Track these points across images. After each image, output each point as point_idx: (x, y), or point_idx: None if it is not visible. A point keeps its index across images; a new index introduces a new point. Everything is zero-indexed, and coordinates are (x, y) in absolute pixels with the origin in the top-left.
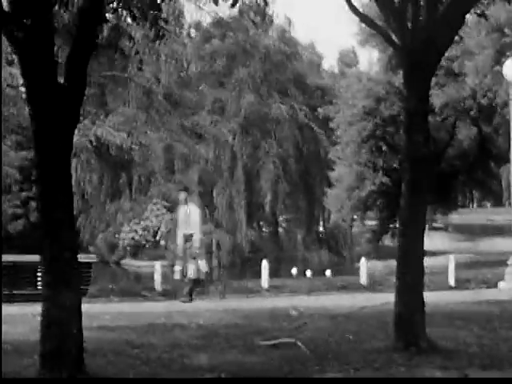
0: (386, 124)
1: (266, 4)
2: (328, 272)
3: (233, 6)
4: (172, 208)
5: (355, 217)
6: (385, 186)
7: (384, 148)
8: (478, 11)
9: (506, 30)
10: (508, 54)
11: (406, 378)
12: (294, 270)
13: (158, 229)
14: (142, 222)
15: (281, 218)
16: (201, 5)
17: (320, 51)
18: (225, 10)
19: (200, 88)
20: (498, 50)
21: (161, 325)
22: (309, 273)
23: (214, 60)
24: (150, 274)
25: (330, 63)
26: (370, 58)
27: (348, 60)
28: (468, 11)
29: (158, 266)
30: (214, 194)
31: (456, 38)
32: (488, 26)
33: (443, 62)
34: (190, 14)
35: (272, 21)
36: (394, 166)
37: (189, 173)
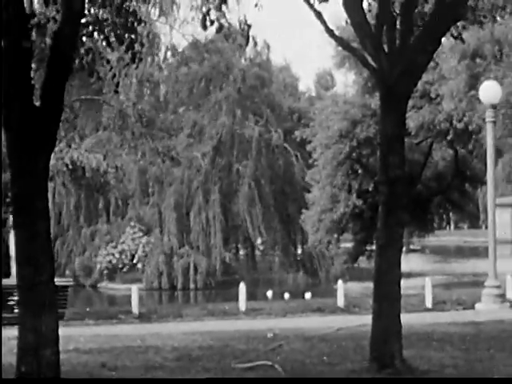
0: (362, 146)
1: (249, 27)
2: (308, 295)
3: (218, 31)
4: (148, 231)
5: (332, 239)
6: (358, 208)
7: (359, 170)
8: (454, 34)
9: (478, 60)
10: (482, 79)
11: (407, 378)
12: (270, 293)
13: (135, 252)
14: (118, 246)
15: (257, 241)
16: (177, 27)
17: (297, 73)
18: (201, 33)
19: (180, 110)
20: (473, 75)
21: (136, 347)
22: (286, 295)
23: (190, 83)
24: (127, 297)
25: (307, 85)
26: (346, 81)
27: (324, 82)
28: (443, 35)
29: (134, 288)
30: (190, 217)
31: (432, 63)
32: (462, 52)
33: (419, 85)
34: (166, 37)
35: (248, 43)
36: (369, 188)
37: (164, 196)
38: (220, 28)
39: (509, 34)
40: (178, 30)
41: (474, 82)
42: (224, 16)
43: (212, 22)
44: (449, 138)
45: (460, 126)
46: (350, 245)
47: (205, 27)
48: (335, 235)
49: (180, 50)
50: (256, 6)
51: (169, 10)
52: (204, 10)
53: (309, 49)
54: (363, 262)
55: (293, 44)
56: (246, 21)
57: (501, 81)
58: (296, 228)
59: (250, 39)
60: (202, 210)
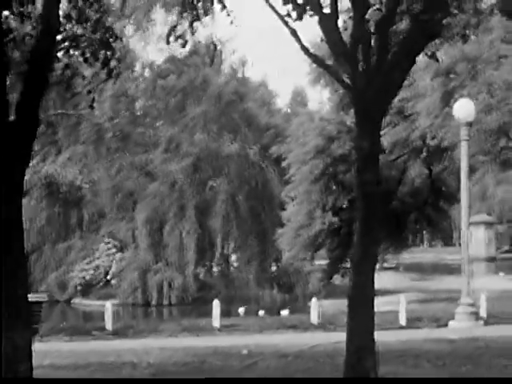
0: (337, 163)
1: (215, 47)
2: (285, 312)
3: (183, 46)
4: (123, 247)
5: (307, 256)
6: (333, 225)
7: (334, 187)
8: (429, 53)
9: (452, 76)
10: (456, 96)
11: (407, 378)
12: (241, 310)
13: (110, 268)
14: (93, 262)
15: (232, 257)
16: (153, 43)
17: (274, 90)
18: (177, 49)
19: (156, 125)
20: (447, 92)
21: (111, 363)
22: (261, 312)
23: (167, 98)
24: (101, 313)
25: (283, 102)
26: (321, 98)
27: (300, 99)
28: (418, 53)
29: (108, 304)
30: (165, 233)
31: (407, 81)
32: (436, 69)
33: (394, 103)
34: (142, 53)
35: (221, 62)
36: (344, 205)
37: (139, 211)
38: (184, 43)
39: (482, 52)
40: (154, 46)
41: (448, 99)
42: (192, 32)
43: (177, 38)
44: (423, 155)
45: (434, 143)
46: (324, 262)
47: (168, 42)
48: (310, 252)
49: (156, 65)
50: (231, 23)
51: (144, 26)
52: (172, 26)
53: (286, 66)
54: (338, 279)
55: (271, 61)
56: (212, 40)
57: (475, 97)
58: (271, 245)
59: (228, 55)
60: (177, 226)
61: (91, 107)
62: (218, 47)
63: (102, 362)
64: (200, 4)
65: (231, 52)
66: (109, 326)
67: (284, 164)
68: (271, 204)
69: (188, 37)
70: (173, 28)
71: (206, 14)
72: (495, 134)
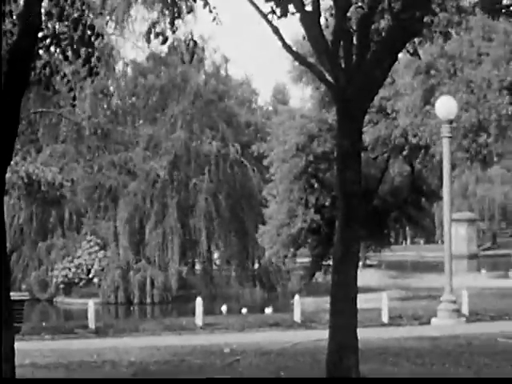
0: (319, 161)
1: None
2: (268, 310)
3: (163, 43)
4: (105, 245)
5: (288, 254)
6: (315, 223)
7: (316, 185)
8: (410, 50)
9: (433, 72)
10: (437, 94)
11: (407, 378)
12: (224, 308)
13: (92, 266)
14: (75, 260)
15: (214, 255)
16: (133, 41)
17: (255, 87)
18: (158, 46)
19: (136, 124)
20: (427, 89)
21: (92, 362)
22: (244, 310)
23: (147, 96)
24: (83, 311)
25: (265, 100)
26: (303, 95)
27: (282, 97)
28: (400, 50)
29: (91, 303)
30: (147, 231)
31: (388, 79)
32: (416, 67)
33: (375, 101)
34: (123, 50)
35: (201, 60)
36: (326, 203)
37: (120, 209)
38: (165, 40)
39: (462, 50)
40: (134, 43)
41: (428, 97)
42: (173, 30)
43: (157, 35)
44: (404, 153)
45: (415, 140)
46: (306, 260)
47: (148, 40)
48: (292, 250)
49: (137, 63)
50: (214, 19)
51: (125, 23)
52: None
53: (268, 63)
54: (320, 277)
55: (253, 58)
56: (192, 37)
57: (455, 94)
58: (253, 243)
59: (209, 52)
60: (159, 224)
61: (72, 105)
62: (200, 45)
63: (84, 361)
64: (182, 1)
65: (213, 50)
66: (91, 324)
67: (265, 162)
68: (252, 202)
69: (168, 34)
70: (153, 25)
71: (188, 11)
72: (474, 131)
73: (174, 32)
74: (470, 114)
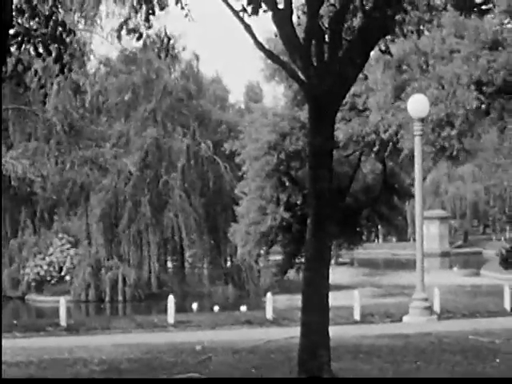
0: (291, 159)
1: (169, 40)
2: (243, 308)
3: (138, 40)
4: (76, 243)
5: (261, 251)
6: (286, 221)
7: (287, 183)
8: (383, 48)
9: (404, 67)
10: (408, 90)
11: (407, 378)
12: (195, 305)
13: (63, 264)
14: (46, 257)
15: (187, 253)
16: (106, 38)
17: (228, 85)
18: (129, 43)
19: (108, 120)
20: (398, 86)
21: (64, 360)
22: (216, 308)
23: (119, 93)
24: (55, 309)
25: (237, 98)
26: (275, 93)
27: (254, 95)
28: (372, 48)
29: (62, 301)
30: (119, 228)
31: (360, 75)
32: (387, 62)
33: (348, 98)
34: (95, 47)
35: (175, 56)
36: (298, 201)
37: (92, 206)
38: (139, 37)
39: (434, 46)
40: (106, 40)
41: (399, 93)
42: (148, 26)
43: (129, 32)
44: (375, 149)
45: (386, 137)
46: (279, 257)
47: (119, 36)
48: (264, 248)
49: (109, 60)
50: (186, 16)
51: (96, 20)
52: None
53: (240, 61)
54: (293, 274)
55: (224, 56)
56: (166, 33)
57: (425, 91)
58: (225, 241)
59: (176, 51)
60: (132, 222)
61: (43, 102)
62: (171, 42)
63: (55, 359)
64: None
65: (184, 47)
66: (63, 322)
67: (237, 160)
68: (224, 200)
69: (142, 30)
70: (125, 22)
71: (161, 8)
72: (441, 126)
73: (148, 28)
74: (438, 109)
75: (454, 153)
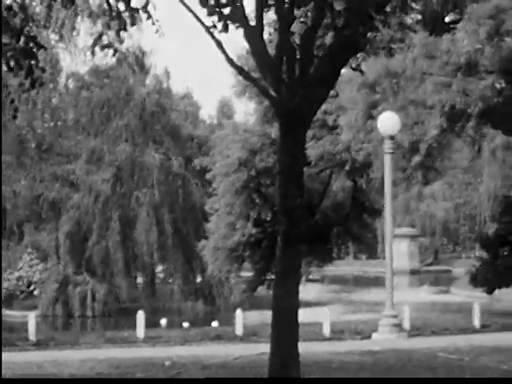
0: (261, 176)
1: (143, 54)
2: (215, 323)
3: (113, 55)
4: (46, 258)
5: (232, 268)
6: (254, 236)
7: (257, 200)
8: (354, 65)
9: (377, 89)
10: (379, 108)
11: (407, 378)
12: (163, 321)
13: (32, 279)
14: (15, 272)
15: (157, 269)
16: (77, 53)
17: (199, 101)
18: (101, 59)
19: (80, 136)
20: (370, 105)
21: (33, 375)
22: (185, 324)
23: (91, 109)
24: (24, 323)
25: (209, 113)
26: (247, 109)
27: (226, 111)
28: (343, 66)
29: (31, 315)
30: (89, 244)
31: (332, 92)
32: (360, 82)
33: (319, 115)
34: (67, 63)
35: (147, 72)
36: (268, 218)
37: (62, 222)
38: (114, 52)
39: (405, 68)
40: (78, 56)
41: (370, 113)
42: (119, 41)
43: (103, 48)
44: (347, 168)
45: (357, 155)
46: (250, 274)
47: (93, 53)
48: (235, 264)
49: (80, 75)
50: (157, 31)
51: (69, 35)
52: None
53: (212, 77)
54: (263, 291)
55: (196, 72)
56: (140, 48)
57: (397, 112)
58: (195, 256)
59: (149, 66)
60: (101, 237)
61: (14, 117)
62: (145, 56)
63: (24, 374)
64: (126, 13)
65: (155, 63)
66: (32, 336)
67: (208, 176)
68: (194, 216)
69: (117, 46)
70: (98, 38)
71: (132, 23)
72: (411, 150)
73: (121, 43)
74: (408, 134)
75: (420, 179)
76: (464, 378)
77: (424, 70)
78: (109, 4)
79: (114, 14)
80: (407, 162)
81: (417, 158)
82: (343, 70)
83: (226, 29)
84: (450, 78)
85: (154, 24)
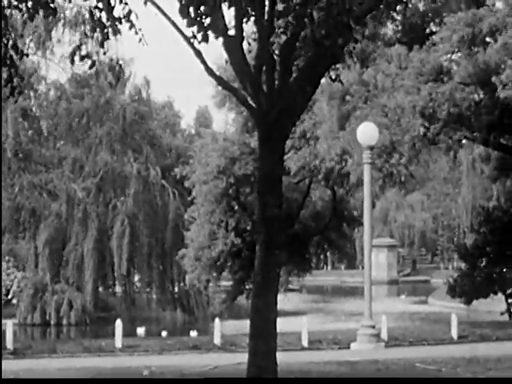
0: (240, 183)
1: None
2: (193, 333)
3: (90, 68)
4: (24, 266)
5: (211, 277)
6: (236, 246)
7: (236, 208)
8: (333, 76)
9: (348, 97)
10: (351, 119)
11: (407, 378)
12: (141, 330)
13: (10, 287)
14: None
15: (135, 278)
16: (56, 62)
17: (179, 110)
18: (80, 68)
19: (59, 145)
20: (342, 116)
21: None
22: (164, 333)
23: (70, 117)
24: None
25: (187, 123)
26: (226, 119)
27: (204, 120)
28: (322, 76)
29: (9, 323)
30: (66, 253)
31: (310, 103)
32: (331, 93)
33: (298, 126)
34: (46, 71)
35: (128, 79)
36: (247, 227)
37: (40, 231)
38: (93, 64)
39: (378, 78)
40: (57, 65)
41: (343, 123)
42: (103, 51)
43: (82, 58)
44: (325, 176)
45: (334, 165)
46: (229, 283)
47: (73, 62)
48: (214, 273)
49: (59, 84)
50: (140, 41)
51: (48, 44)
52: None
53: (191, 86)
54: (243, 300)
55: (176, 81)
56: (117, 60)
57: (368, 119)
58: (173, 265)
59: (126, 77)
60: (78, 246)
61: None
62: (122, 67)
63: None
64: (109, 23)
65: (134, 72)
66: (9, 345)
67: (187, 184)
68: (172, 225)
69: (95, 57)
70: (78, 47)
71: (114, 33)
72: (387, 153)
73: (104, 54)
74: (383, 136)
75: (402, 178)
76: (464, 378)
77: (395, 81)
78: (91, 14)
79: (96, 23)
80: (383, 162)
81: (397, 157)
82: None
83: (206, 39)
84: (420, 85)
85: (137, 33)
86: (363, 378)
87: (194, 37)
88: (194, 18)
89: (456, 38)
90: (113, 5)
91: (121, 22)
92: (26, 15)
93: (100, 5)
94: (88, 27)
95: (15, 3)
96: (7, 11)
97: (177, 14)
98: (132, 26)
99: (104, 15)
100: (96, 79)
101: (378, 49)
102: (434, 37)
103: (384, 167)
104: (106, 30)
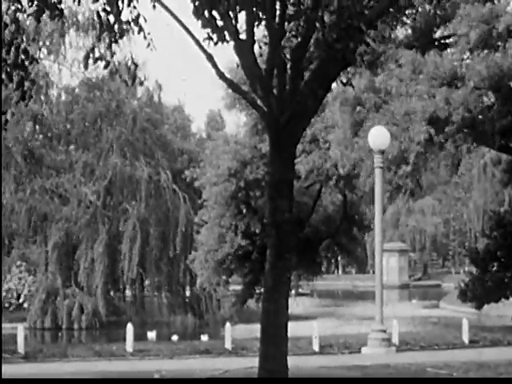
0: (251, 187)
1: (136, 66)
2: (204, 337)
3: (105, 67)
4: (35, 270)
5: (220, 280)
6: (243, 249)
7: (244, 211)
8: (344, 80)
9: (358, 108)
10: (365, 126)
11: (407, 378)
12: (152, 334)
13: (21, 291)
14: (4, 284)
15: (146, 282)
16: (67, 66)
17: (189, 114)
18: (92, 72)
19: (70, 149)
20: (356, 122)
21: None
22: (174, 337)
23: (82, 122)
24: (13, 336)
25: (198, 127)
26: (238, 121)
27: (215, 123)
28: (333, 80)
29: (20, 328)
30: (76, 256)
31: (321, 108)
32: (343, 99)
33: (308, 130)
34: (57, 76)
35: (142, 83)
36: (257, 230)
37: (51, 234)
38: (107, 65)
39: (391, 84)
40: (68, 69)
41: (357, 129)
42: (111, 54)
43: (96, 60)
44: (336, 181)
45: (346, 170)
46: (239, 287)
47: (86, 65)
48: (224, 277)
49: (71, 88)
50: (148, 45)
51: (59, 49)
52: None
53: (202, 89)
54: (252, 304)
55: (187, 85)
56: (132, 60)
57: (384, 126)
58: (184, 269)
59: (142, 79)
60: (89, 250)
61: (4, 130)
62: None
63: None
64: (116, 26)
65: (146, 76)
66: (21, 349)
67: (196, 184)
68: (182, 229)
69: (109, 58)
70: (91, 50)
71: (121, 36)
72: (396, 164)
73: (112, 56)
74: (392, 146)
75: (409, 191)
76: (464, 378)
77: (409, 86)
78: (99, 17)
79: (104, 26)
80: (393, 175)
81: (404, 168)
82: (333, 86)
83: (222, 39)
84: (434, 89)
85: (145, 38)
86: (372, 379)
87: (210, 38)
88: (209, 20)
89: (474, 35)
90: (121, 8)
91: (130, 25)
92: (31, 16)
93: (107, 7)
94: (98, 31)
95: (18, 6)
96: (18, 15)
97: (187, 18)
98: (141, 29)
99: (112, 18)
100: (111, 79)
101: (388, 52)
102: (447, 33)
103: (393, 180)
104: (113, 33)
